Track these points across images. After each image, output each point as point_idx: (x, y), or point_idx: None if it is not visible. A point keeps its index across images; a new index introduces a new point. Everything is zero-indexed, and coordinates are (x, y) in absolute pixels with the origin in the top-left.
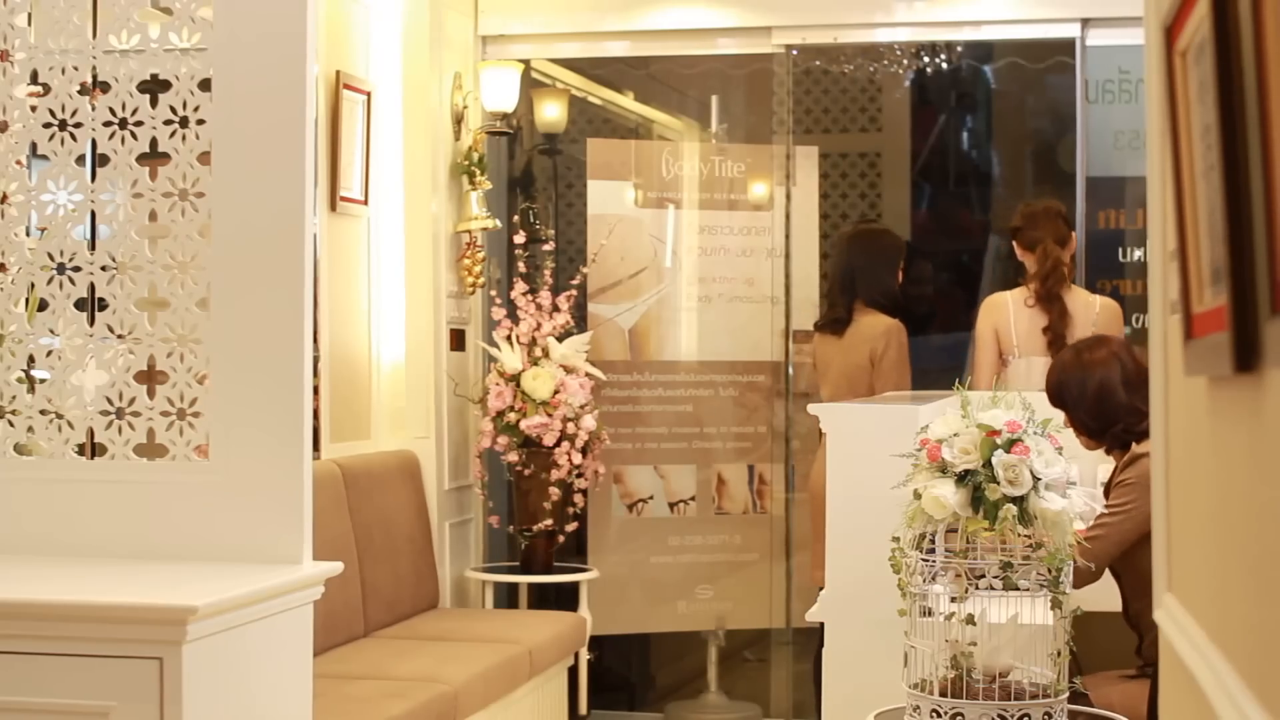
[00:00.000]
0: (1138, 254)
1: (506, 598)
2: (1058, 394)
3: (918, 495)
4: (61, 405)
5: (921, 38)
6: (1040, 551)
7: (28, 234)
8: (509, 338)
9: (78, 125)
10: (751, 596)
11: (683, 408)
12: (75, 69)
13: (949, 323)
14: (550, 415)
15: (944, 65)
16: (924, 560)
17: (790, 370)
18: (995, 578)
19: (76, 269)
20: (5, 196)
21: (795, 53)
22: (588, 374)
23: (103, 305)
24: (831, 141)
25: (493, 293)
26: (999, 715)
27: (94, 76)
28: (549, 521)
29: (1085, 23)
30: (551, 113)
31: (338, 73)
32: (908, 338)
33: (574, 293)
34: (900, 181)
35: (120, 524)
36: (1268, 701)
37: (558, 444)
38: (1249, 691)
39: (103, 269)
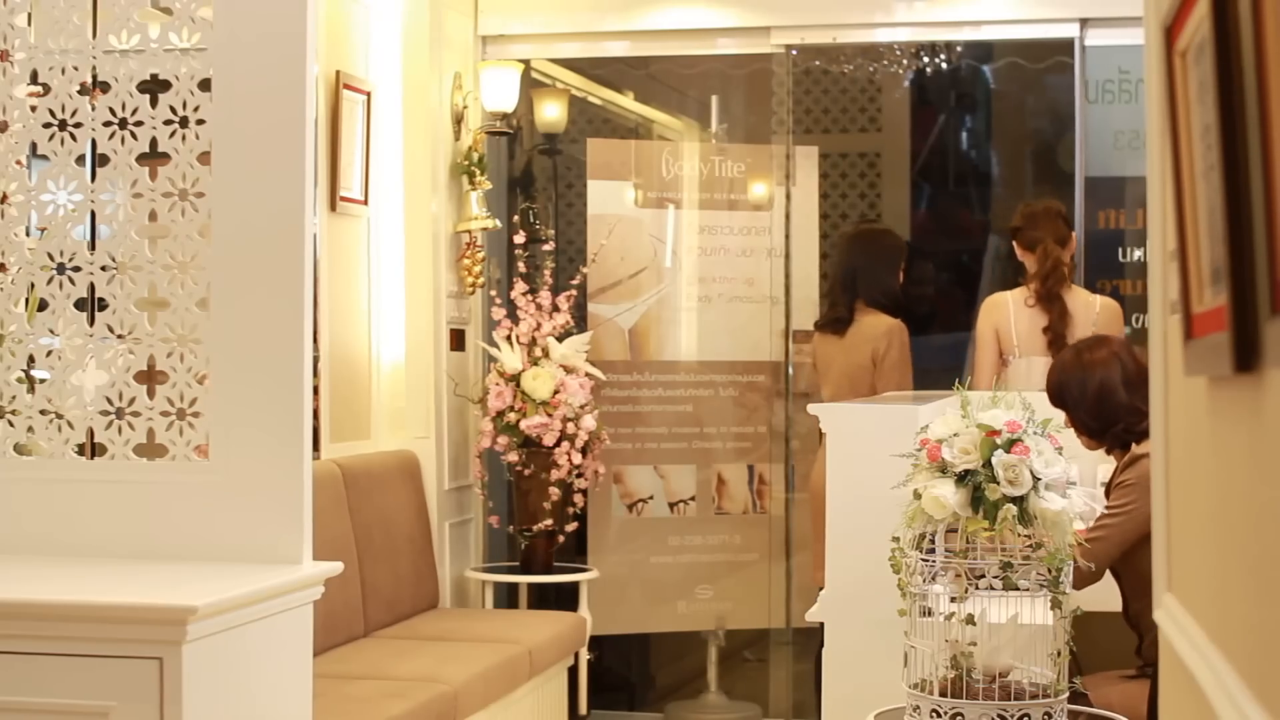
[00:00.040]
0: (1138, 254)
1: (506, 598)
2: (1058, 394)
3: (918, 495)
4: (61, 405)
5: (921, 38)
6: (1040, 551)
7: (28, 234)
8: (509, 338)
9: (78, 125)
10: (751, 596)
11: (683, 408)
12: (75, 69)
13: (949, 323)
14: (550, 415)
15: (944, 65)
16: (924, 560)
17: (790, 370)
18: (995, 578)
19: (76, 269)
20: (5, 196)
21: (795, 53)
22: (588, 374)
23: (103, 305)
24: (831, 141)
25: (493, 293)
26: (999, 715)
27: (94, 76)
28: (549, 521)
29: (1084, 23)
30: (551, 113)
31: (338, 73)
32: (909, 338)
33: (574, 293)
34: (900, 181)
35: (120, 524)
36: (1268, 701)
37: (558, 444)
38: (1249, 691)
39: (103, 269)
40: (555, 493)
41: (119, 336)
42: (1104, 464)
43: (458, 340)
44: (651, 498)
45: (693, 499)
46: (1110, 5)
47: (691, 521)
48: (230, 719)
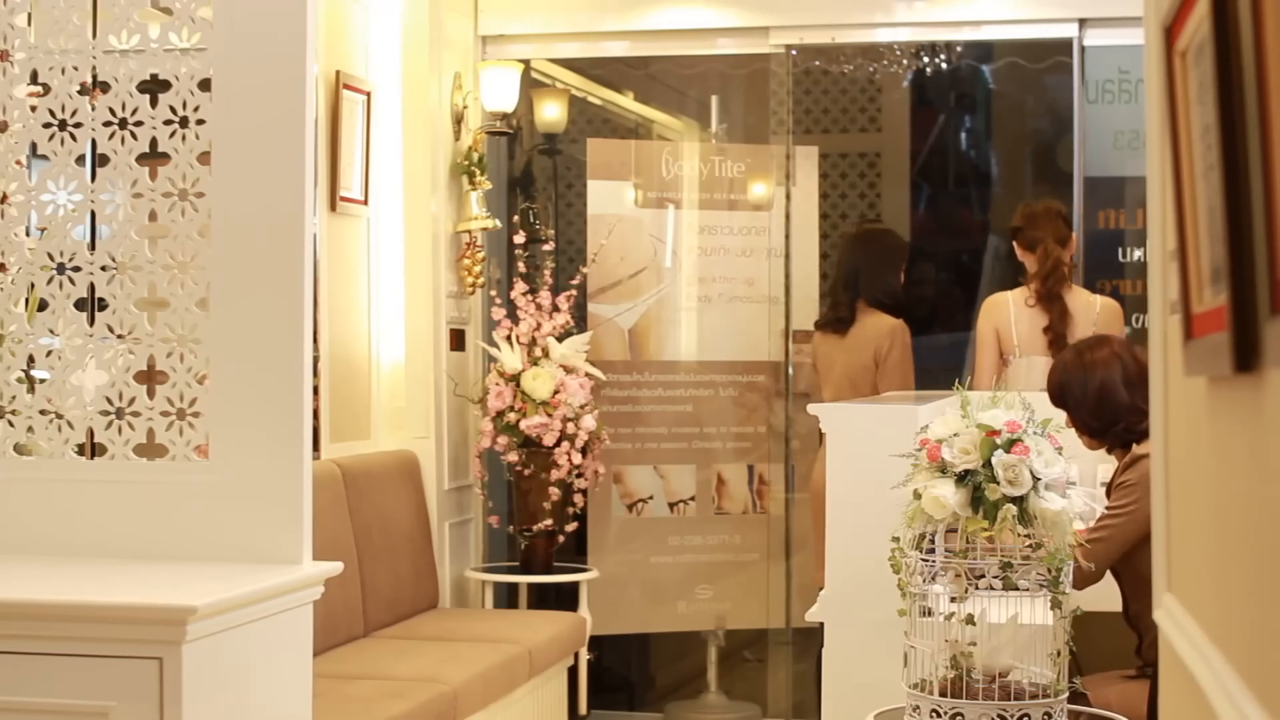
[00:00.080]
0: (1137, 254)
1: (506, 598)
2: (1059, 394)
3: (918, 495)
4: (61, 405)
5: (921, 38)
6: (1040, 551)
7: (28, 234)
8: (509, 338)
9: (78, 125)
10: (751, 596)
11: (683, 408)
12: (75, 69)
13: (949, 323)
14: (550, 415)
15: (943, 65)
16: (924, 560)
17: (790, 370)
18: (995, 578)
19: (76, 269)
20: (5, 196)
21: (795, 53)
22: (587, 374)
23: (103, 305)
24: (831, 141)
25: (493, 293)
26: (999, 715)
27: (94, 76)
28: (549, 521)
29: (1082, 23)
30: (551, 113)
31: (338, 73)
32: (910, 338)
33: (574, 293)
34: (900, 181)
35: (120, 524)
36: (1268, 701)
37: (558, 444)
38: (1249, 691)
39: (103, 269)
40: (555, 493)
41: (119, 336)
42: (1104, 464)
43: (458, 340)
44: (651, 498)
45: (693, 499)
46: (1109, 5)
47: (691, 521)
48: (230, 719)
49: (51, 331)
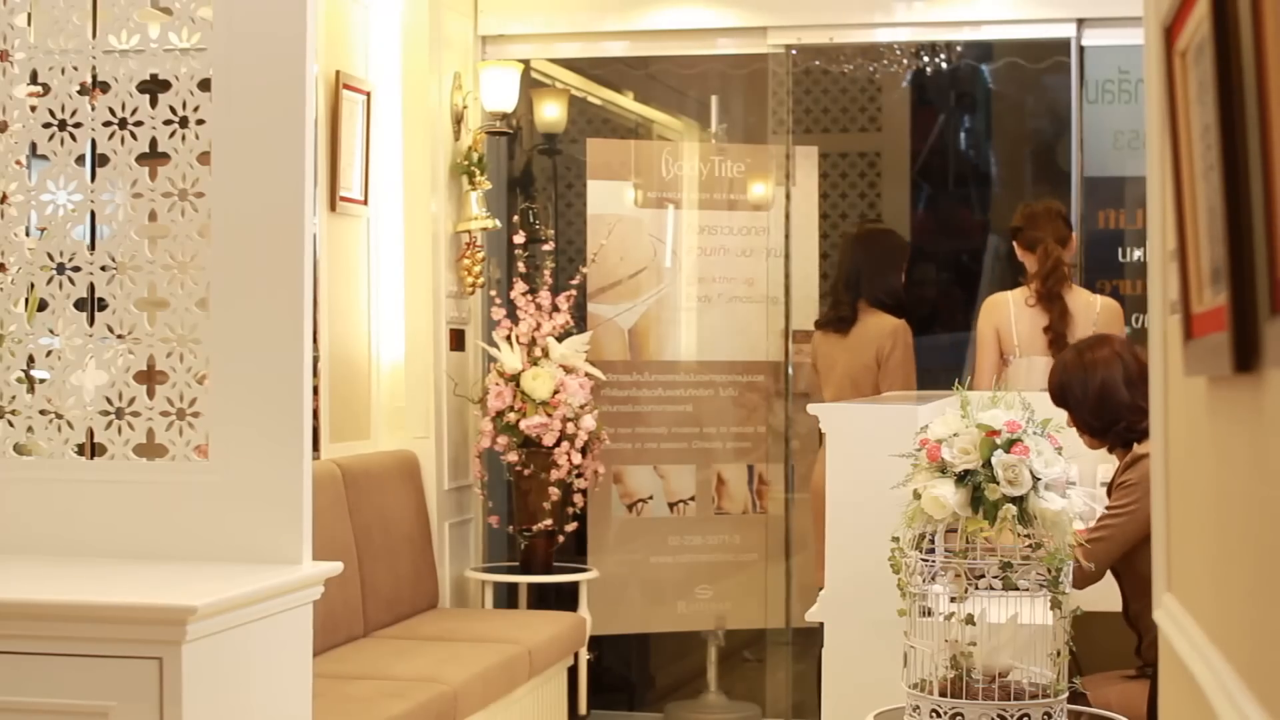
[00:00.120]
0: (1137, 254)
1: (506, 598)
2: (1060, 394)
3: (917, 495)
4: (61, 405)
5: (920, 38)
6: (1040, 551)
7: (28, 234)
8: (509, 338)
9: (77, 125)
10: (751, 596)
11: (682, 408)
12: (75, 69)
13: (949, 323)
14: (550, 415)
15: (943, 65)
16: (924, 560)
17: (790, 370)
18: (995, 578)
19: (76, 269)
20: (5, 196)
21: (794, 53)
22: (587, 374)
23: (102, 305)
24: (831, 141)
25: (492, 293)
26: (999, 715)
27: (94, 76)
28: (549, 521)
29: (1081, 23)
30: (551, 113)
31: (337, 73)
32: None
33: (574, 293)
34: (900, 181)
35: (120, 524)
36: (1267, 701)
37: (557, 444)
38: (1249, 691)
39: (102, 269)
40: (555, 493)
41: (119, 336)
42: (1104, 464)
43: (457, 340)
44: (651, 498)
45: (692, 499)
46: (1108, 5)
47: (691, 521)
48: (230, 719)
49: (51, 331)
